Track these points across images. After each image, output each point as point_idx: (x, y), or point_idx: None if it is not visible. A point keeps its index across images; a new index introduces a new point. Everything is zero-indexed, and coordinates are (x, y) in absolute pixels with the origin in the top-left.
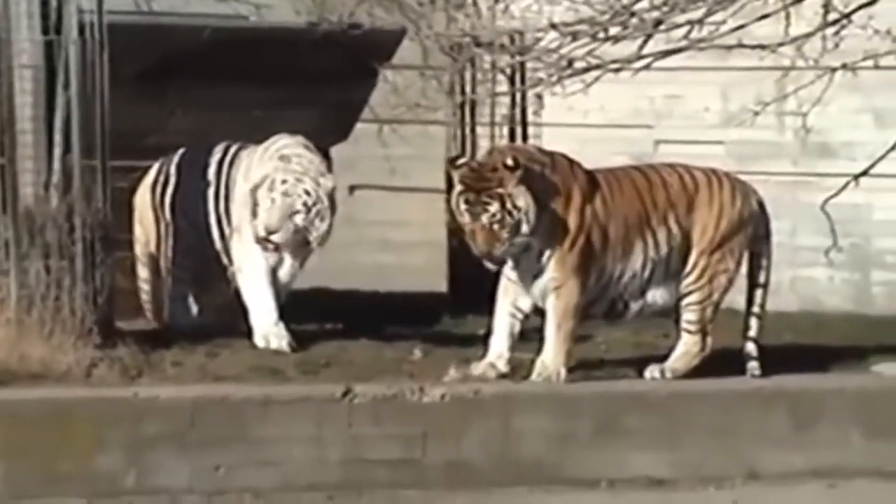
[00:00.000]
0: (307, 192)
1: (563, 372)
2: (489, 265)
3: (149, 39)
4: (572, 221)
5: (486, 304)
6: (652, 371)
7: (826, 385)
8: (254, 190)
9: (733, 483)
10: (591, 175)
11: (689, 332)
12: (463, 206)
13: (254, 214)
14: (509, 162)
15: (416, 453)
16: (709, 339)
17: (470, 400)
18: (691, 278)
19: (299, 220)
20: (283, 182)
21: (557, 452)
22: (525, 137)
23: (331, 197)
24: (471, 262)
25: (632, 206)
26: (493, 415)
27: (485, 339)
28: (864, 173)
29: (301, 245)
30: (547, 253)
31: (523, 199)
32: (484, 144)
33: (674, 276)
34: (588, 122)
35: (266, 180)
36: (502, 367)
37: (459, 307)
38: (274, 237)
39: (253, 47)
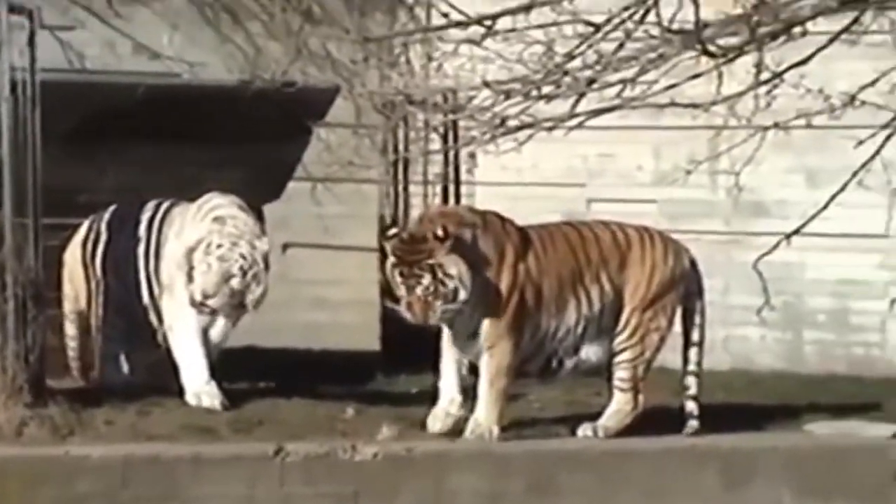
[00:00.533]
0: (243, 257)
1: (495, 430)
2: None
3: (81, 97)
4: (505, 280)
5: (419, 363)
6: (584, 429)
7: (759, 444)
8: (189, 253)
9: None
10: (523, 232)
11: (622, 389)
12: (398, 279)
13: (189, 278)
14: (439, 232)
15: None
16: (641, 397)
17: (403, 458)
18: (623, 336)
19: (235, 283)
20: (219, 246)
21: None
22: (458, 196)
23: (266, 259)
24: (403, 321)
25: (565, 262)
26: (426, 474)
27: (418, 398)
28: (797, 232)
29: (236, 307)
30: (480, 312)
31: (455, 268)
32: (417, 203)
33: (607, 333)
34: (521, 181)
35: (201, 244)
36: (455, 410)
37: (392, 365)
38: (210, 302)
39: (186, 105)
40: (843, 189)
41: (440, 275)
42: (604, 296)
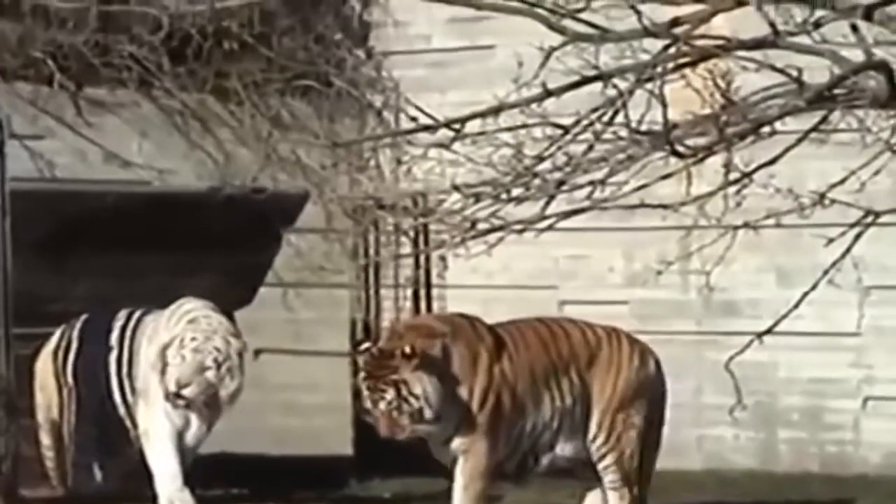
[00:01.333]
0: (217, 349)
1: None
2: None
3: (52, 205)
4: (480, 384)
5: (392, 467)
6: None
7: None
8: (163, 350)
9: None
10: (495, 332)
11: (615, 489)
12: (365, 392)
13: (162, 373)
14: (406, 350)
15: None
16: (635, 491)
17: None
18: (601, 439)
19: (210, 375)
20: (193, 339)
21: None
22: (430, 299)
23: (241, 356)
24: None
25: (538, 357)
26: None
27: (390, 501)
28: (769, 331)
29: (210, 405)
30: (455, 419)
31: (419, 386)
32: (388, 306)
33: (579, 429)
34: (492, 283)
35: (175, 340)
36: None
37: (365, 470)
38: (185, 391)
39: (156, 212)
40: (814, 288)
41: (404, 392)
42: (573, 389)
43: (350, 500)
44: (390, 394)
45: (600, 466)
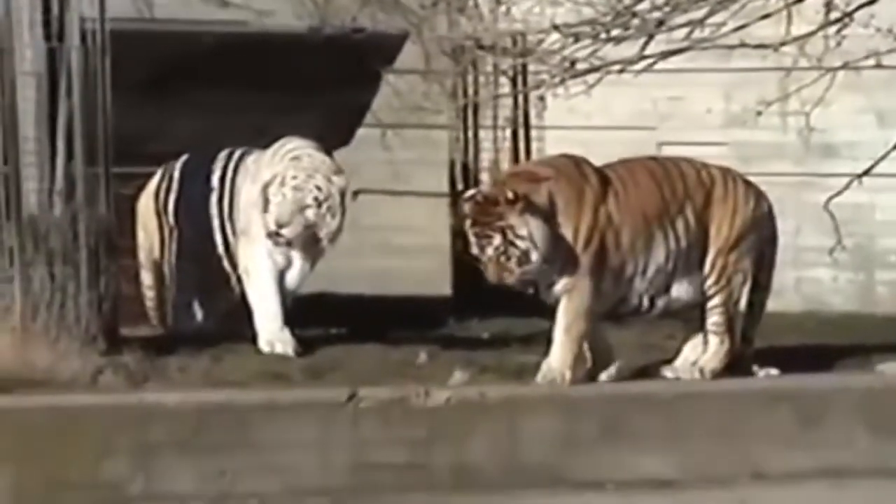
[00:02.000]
0: (318, 188)
1: (567, 375)
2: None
3: (151, 46)
4: (585, 224)
5: (491, 308)
6: (691, 371)
7: (831, 384)
8: (265, 188)
9: (740, 483)
10: (602, 173)
11: (716, 333)
12: (472, 239)
13: (264, 211)
14: (509, 195)
15: (422, 457)
16: (736, 337)
17: (475, 403)
18: (711, 279)
19: (310, 214)
20: (294, 178)
21: (563, 455)
22: (528, 140)
23: (342, 195)
24: (474, 266)
25: (650, 197)
26: (499, 418)
27: (489, 343)
28: (867, 173)
29: (311, 244)
30: (560, 260)
31: (525, 229)
32: (487, 147)
33: (694, 271)
34: (591, 124)
35: (277, 178)
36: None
37: (464, 311)
38: (284, 231)
39: (255, 53)
40: None
41: (510, 236)
42: (689, 231)
43: (449, 339)
44: (497, 239)
45: (708, 306)
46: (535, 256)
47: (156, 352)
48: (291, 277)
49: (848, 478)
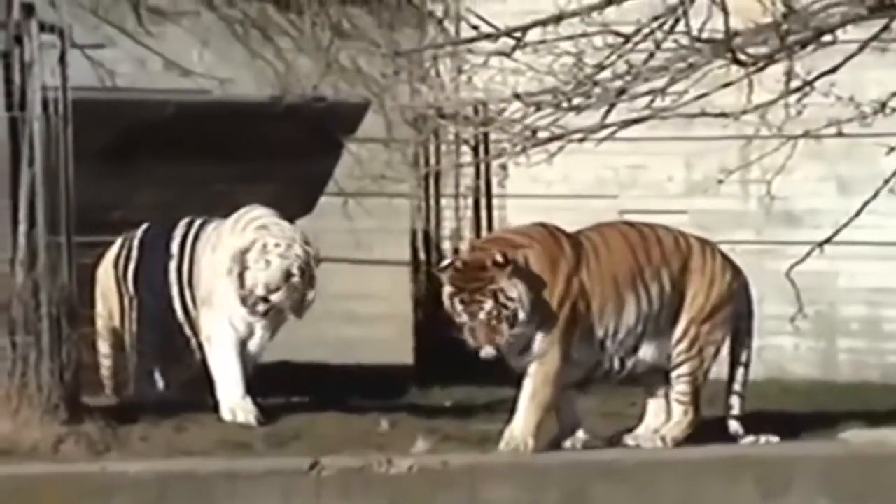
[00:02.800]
0: (299, 256)
1: (530, 443)
2: (488, 355)
3: (113, 114)
4: (558, 293)
5: (452, 376)
6: (652, 440)
7: (794, 452)
8: (242, 254)
9: None
10: (575, 240)
11: (681, 402)
12: (459, 307)
13: (240, 278)
14: (499, 259)
15: None
16: (700, 410)
17: (438, 472)
18: (682, 347)
19: (296, 282)
20: (276, 245)
21: None
22: (490, 208)
23: (316, 264)
24: (436, 335)
25: (622, 261)
26: (462, 486)
27: (451, 411)
28: (829, 241)
29: (276, 313)
30: (533, 327)
31: (515, 291)
32: (449, 216)
33: (664, 335)
34: (552, 193)
35: (256, 244)
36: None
37: (426, 379)
38: (274, 297)
39: (216, 121)
40: (874, 197)
41: (501, 299)
42: (663, 295)
43: (411, 408)
44: (489, 303)
45: (674, 374)
46: (522, 317)
47: (118, 421)
48: (253, 345)
49: None
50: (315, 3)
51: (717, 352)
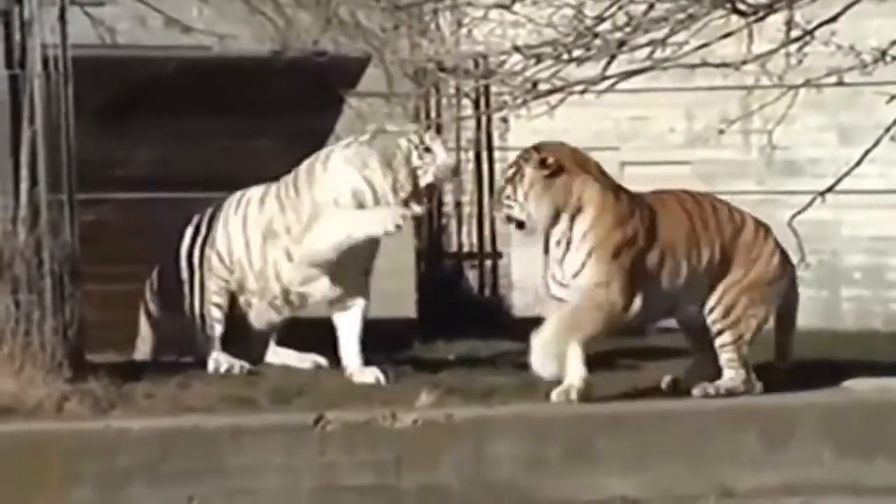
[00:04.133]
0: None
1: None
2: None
3: (113, 72)
4: (616, 235)
5: (456, 330)
6: (706, 388)
7: (797, 402)
8: (392, 156)
9: (707, 502)
10: (630, 193)
11: (731, 367)
12: None
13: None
14: (547, 159)
15: (390, 479)
16: (752, 375)
17: (442, 425)
18: (717, 314)
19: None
20: (422, 141)
21: (530, 476)
22: (491, 161)
23: None
24: (439, 288)
25: (680, 224)
26: (466, 439)
27: (455, 365)
28: (830, 190)
29: None
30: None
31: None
32: None
33: (700, 298)
34: None
35: (400, 146)
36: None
37: (429, 333)
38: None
39: (217, 77)
40: (876, 145)
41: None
42: (712, 262)
43: (415, 361)
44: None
45: (717, 342)
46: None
47: (122, 378)
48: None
49: (814, 494)
50: None
51: (759, 328)
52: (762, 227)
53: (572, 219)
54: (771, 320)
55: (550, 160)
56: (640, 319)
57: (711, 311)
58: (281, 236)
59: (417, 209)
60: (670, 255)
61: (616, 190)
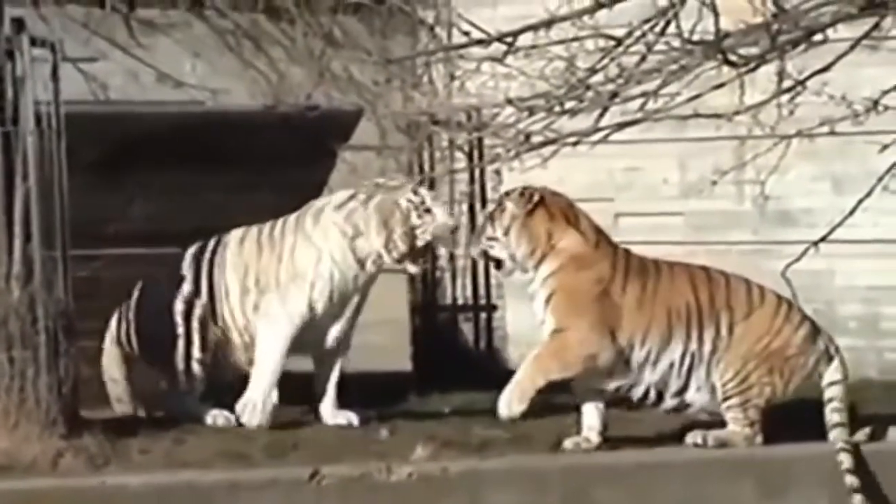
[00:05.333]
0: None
1: (515, 409)
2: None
3: (106, 127)
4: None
5: (451, 382)
6: (694, 437)
7: (794, 452)
8: (392, 214)
9: None
10: (627, 253)
11: (737, 424)
12: None
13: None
14: (532, 195)
15: None
16: (757, 435)
17: (438, 478)
18: (728, 382)
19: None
20: (423, 202)
21: None
22: None
23: None
24: (434, 341)
25: (681, 295)
26: (462, 492)
27: (450, 418)
28: (824, 239)
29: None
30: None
31: (508, 223)
32: None
33: (715, 379)
34: None
35: (401, 204)
36: (595, 439)
37: (424, 386)
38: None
39: (210, 132)
40: (868, 194)
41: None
42: (718, 339)
43: (409, 414)
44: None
45: (724, 406)
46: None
47: (117, 434)
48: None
49: None
50: (306, 13)
51: (773, 395)
52: (785, 302)
53: (540, 261)
54: None
55: (534, 196)
56: (636, 388)
57: (723, 381)
58: (251, 290)
59: (412, 269)
60: (668, 325)
61: (598, 242)
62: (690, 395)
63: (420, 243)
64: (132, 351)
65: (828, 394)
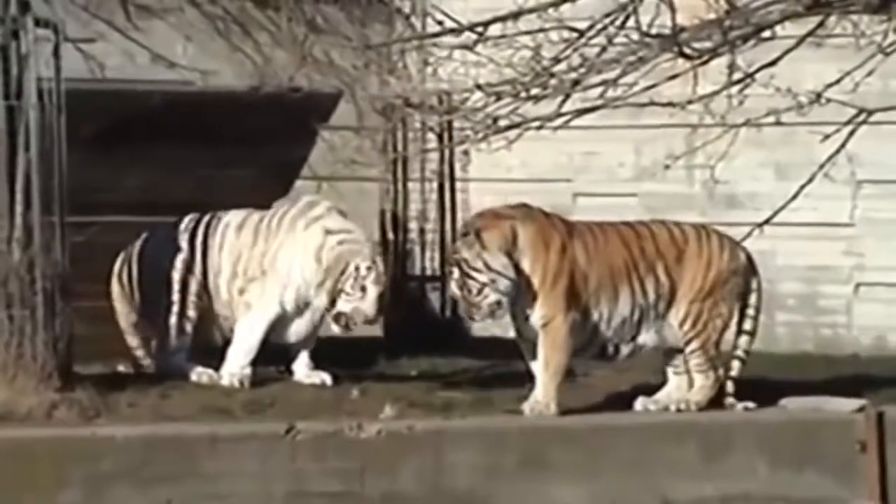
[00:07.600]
0: (383, 275)
1: (553, 407)
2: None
3: (103, 104)
4: (552, 263)
5: (418, 348)
6: (677, 404)
7: (735, 418)
8: (336, 278)
9: None
10: (567, 222)
11: (700, 371)
12: (448, 280)
13: (333, 295)
14: (462, 230)
15: (355, 486)
16: (719, 372)
17: (404, 435)
18: (686, 327)
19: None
20: (369, 269)
21: (486, 484)
22: (453, 192)
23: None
24: (403, 309)
25: (617, 253)
26: (427, 449)
27: (417, 379)
28: (767, 222)
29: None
30: (531, 295)
31: (481, 263)
32: (415, 198)
33: (663, 319)
34: (512, 177)
35: (349, 269)
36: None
37: (394, 350)
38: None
39: (200, 110)
40: (810, 181)
41: (465, 268)
42: (659, 286)
43: (380, 376)
44: (455, 273)
45: (686, 350)
46: (502, 287)
47: (107, 389)
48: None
49: None
50: (291, 0)
51: (726, 325)
52: (703, 231)
53: (514, 256)
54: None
55: (462, 229)
56: (590, 348)
57: (682, 325)
58: (239, 276)
59: (334, 326)
60: (611, 284)
61: (552, 224)
62: (642, 339)
63: (336, 307)
64: (130, 292)
65: (747, 300)
